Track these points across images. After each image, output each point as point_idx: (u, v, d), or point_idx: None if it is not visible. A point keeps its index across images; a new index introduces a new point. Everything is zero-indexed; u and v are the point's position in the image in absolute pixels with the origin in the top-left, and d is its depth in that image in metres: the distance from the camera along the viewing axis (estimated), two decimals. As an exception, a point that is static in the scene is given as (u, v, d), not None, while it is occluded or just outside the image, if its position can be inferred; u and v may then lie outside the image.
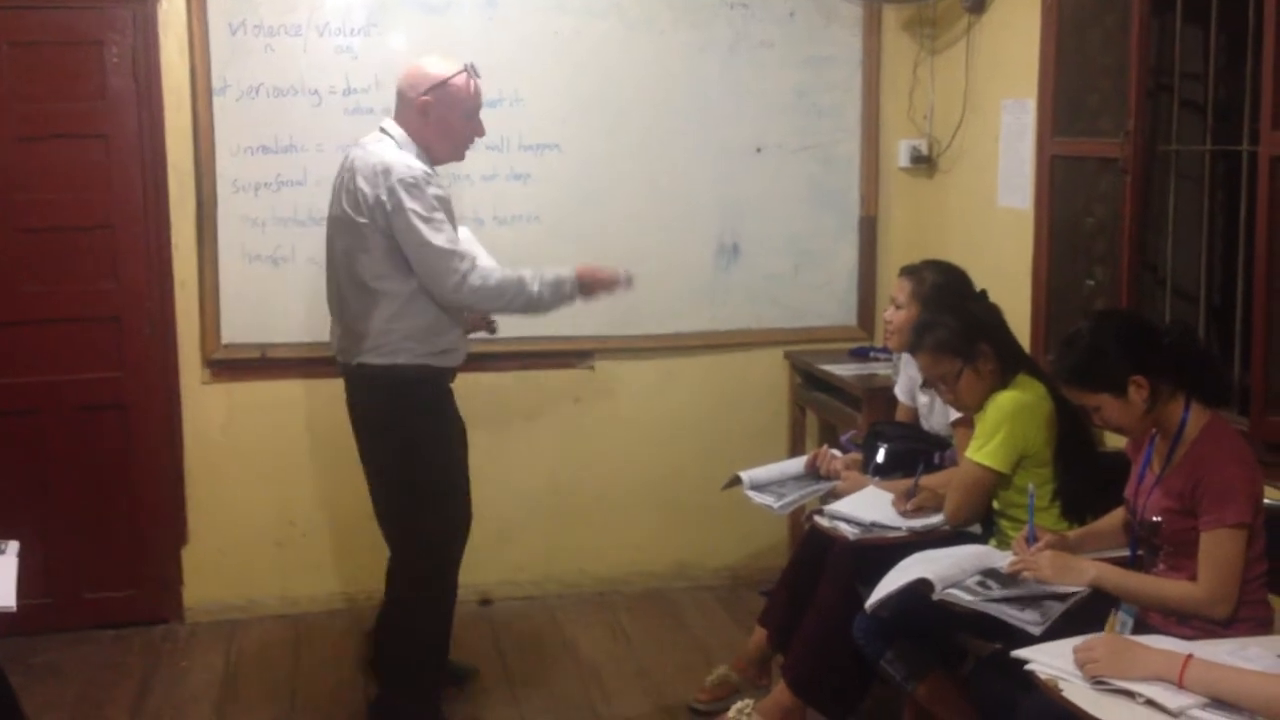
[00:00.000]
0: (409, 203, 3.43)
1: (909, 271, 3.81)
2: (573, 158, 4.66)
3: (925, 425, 3.84)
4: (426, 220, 3.44)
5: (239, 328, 4.49)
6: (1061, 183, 4.03)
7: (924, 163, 4.83)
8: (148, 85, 4.36)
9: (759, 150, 4.79)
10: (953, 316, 3.35)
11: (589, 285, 3.65)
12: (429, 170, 3.53)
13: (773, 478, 3.88)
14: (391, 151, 3.53)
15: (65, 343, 4.40)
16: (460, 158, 3.77)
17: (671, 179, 4.74)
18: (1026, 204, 4.17)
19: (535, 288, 3.55)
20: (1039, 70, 4.08)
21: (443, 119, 3.58)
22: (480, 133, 3.70)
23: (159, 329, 4.46)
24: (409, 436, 3.59)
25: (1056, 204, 4.05)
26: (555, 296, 3.61)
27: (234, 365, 4.51)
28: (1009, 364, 3.34)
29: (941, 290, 3.67)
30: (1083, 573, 2.78)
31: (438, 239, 3.45)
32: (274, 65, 4.41)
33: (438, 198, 3.48)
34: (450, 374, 3.71)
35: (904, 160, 4.85)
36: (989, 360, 3.32)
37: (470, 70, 3.62)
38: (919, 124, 4.84)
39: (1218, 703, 2.17)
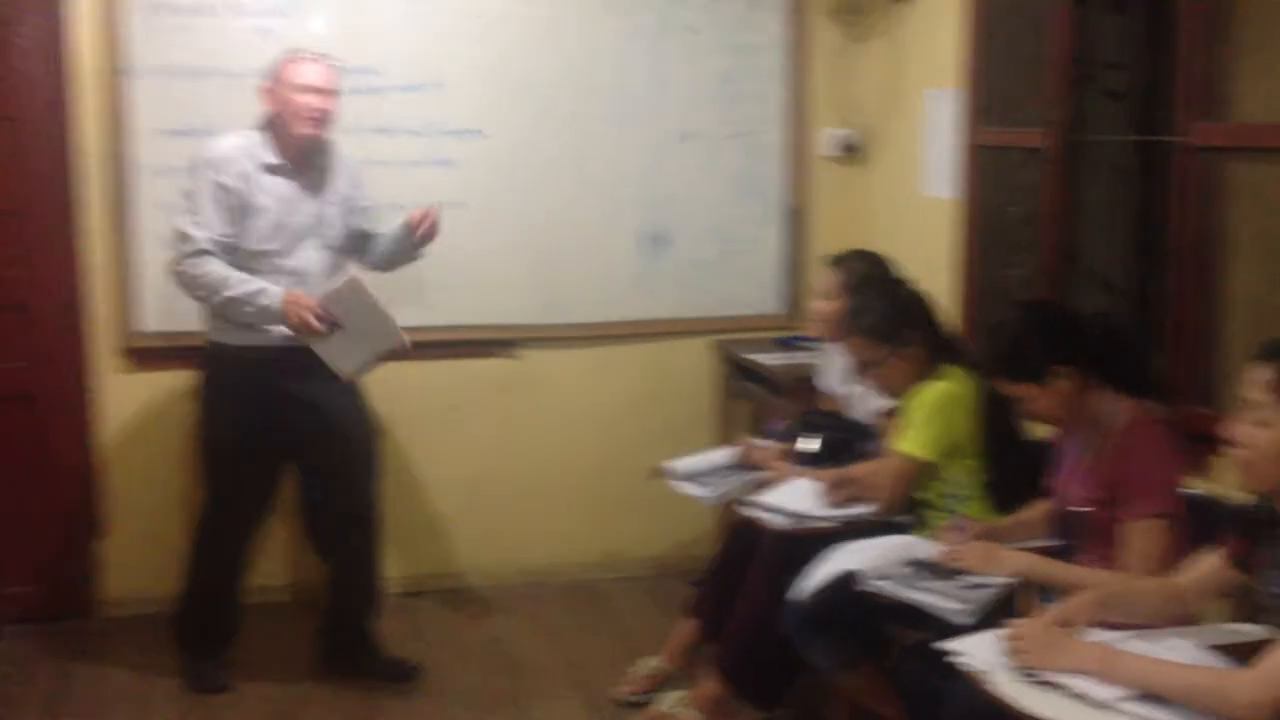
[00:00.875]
0: (188, 180, 3.76)
1: (836, 262, 3.81)
2: (497, 144, 4.60)
3: (852, 414, 3.84)
4: (188, 198, 3.74)
5: (153, 315, 4.37)
6: (986, 172, 4.05)
7: (850, 152, 4.83)
8: (57, 66, 4.23)
9: (685, 138, 4.77)
10: (883, 303, 3.35)
11: (289, 315, 3.69)
12: (225, 157, 3.72)
13: (700, 468, 3.87)
14: (231, 134, 3.80)
15: (-31, 332, 4.27)
16: (306, 134, 3.76)
17: (598, 166, 4.70)
18: (952, 194, 4.18)
19: (232, 292, 3.67)
20: (963, 60, 4.09)
21: (282, 98, 3.76)
22: (320, 107, 3.75)
23: (71, 318, 4.34)
24: (199, 407, 3.93)
25: (981, 194, 4.07)
26: (254, 310, 3.70)
27: (150, 354, 4.40)
28: (937, 353, 3.34)
29: (869, 280, 3.68)
30: (1009, 562, 2.79)
31: (182, 219, 3.73)
32: (189, 46, 4.30)
33: (218, 184, 3.69)
34: (255, 353, 3.76)
35: (829, 149, 4.85)
36: (916, 348, 3.32)
37: (307, 52, 3.78)
38: (844, 113, 4.84)
39: (1144, 695, 2.19)
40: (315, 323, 3.67)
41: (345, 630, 4.08)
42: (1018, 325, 2.84)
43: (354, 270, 3.74)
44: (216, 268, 3.69)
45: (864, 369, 3.41)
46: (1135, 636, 2.38)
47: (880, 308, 3.34)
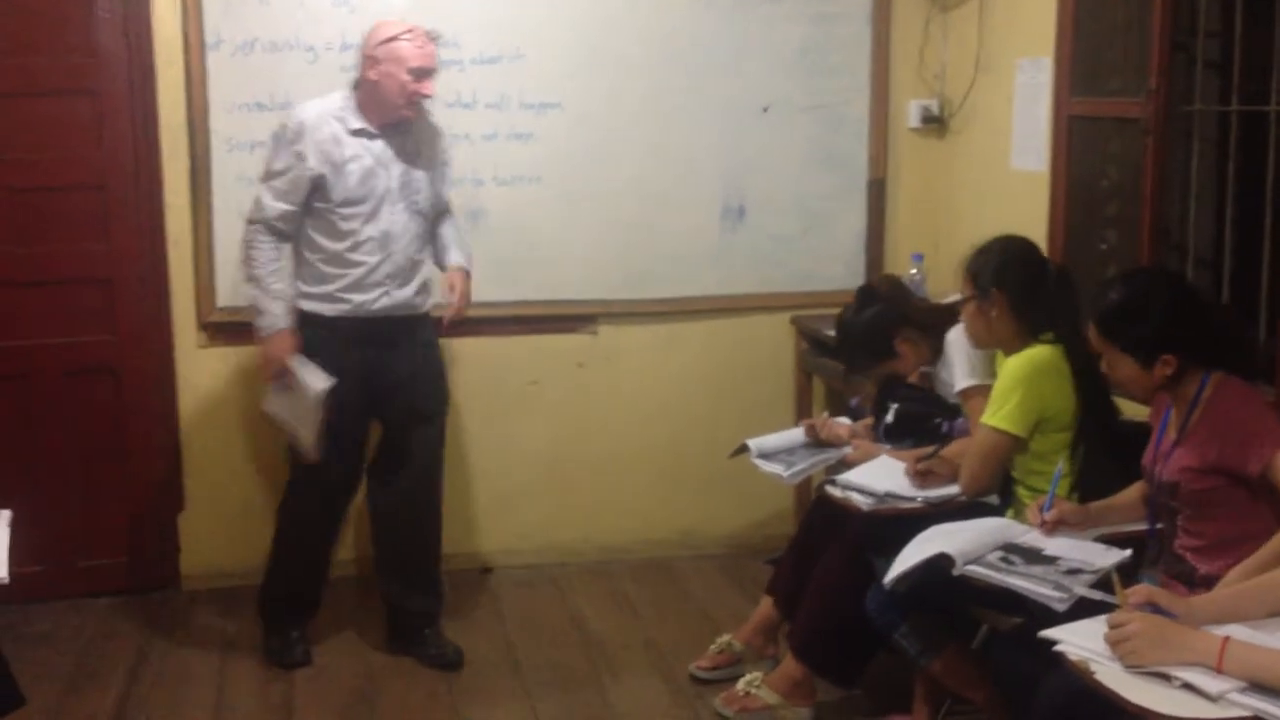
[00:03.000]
0: (269, 149, 3.83)
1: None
2: (575, 117, 4.55)
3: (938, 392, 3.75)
4: (266, 165, 3.78)
5: (235, 290, 4.37)
6: (1077, 144, 3.94)
7: (935, 123, 4.72)
8: (139, 40, 4.24)
9: (765, 109, 4.69)
10: (1000, 258, 3.26)
11: (265, 352, 3.76)
12: (310, 123, 3.71)
13: (781, 445, 3.81)
14: (317, 99, 3.79)
15: (55, 305, 4.30)
16: (403, 115, 3.74)
17: (676, 138, 4.63)
18: (1042, 166, 4.08)
19: (253, 289, 3.77)
20: (1056, 28, 3.97)
21: (387, 74, 3.69)
22: (426, 93, 3.72)
23: (152, 291, 4.36)
24: None
25: (1072, 166, 3.96)
26: (256, 308, 3.77)
27: (230, 328, 4.40)
28: (1028, 325, 3.24)
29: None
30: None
31: (261, 187, 3.77)
32: (269, 20, 4.29)
33: (297, 153, 3.70)
34: (345, 323, 3.76)
35: (914, 120, 4.75)
36: (998, 309, 3.22)
37: (421, 31, 3.71)
38: (930, 83, 4.73)
39: (1257, 686, 2.11)
40: (270, 373, 3.73)
41: (401, 611, 4.05)
42: (1152, 297, 2.71)
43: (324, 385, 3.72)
44: (263, 252, 3.74)
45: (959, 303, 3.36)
46: (1251, 625, 2.29)
47: (993, 260, 3.25)
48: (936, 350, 3.66)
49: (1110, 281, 2.78)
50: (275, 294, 3.75)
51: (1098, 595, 2.52)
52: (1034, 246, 3.38)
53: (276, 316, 3.74)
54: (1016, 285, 3.23)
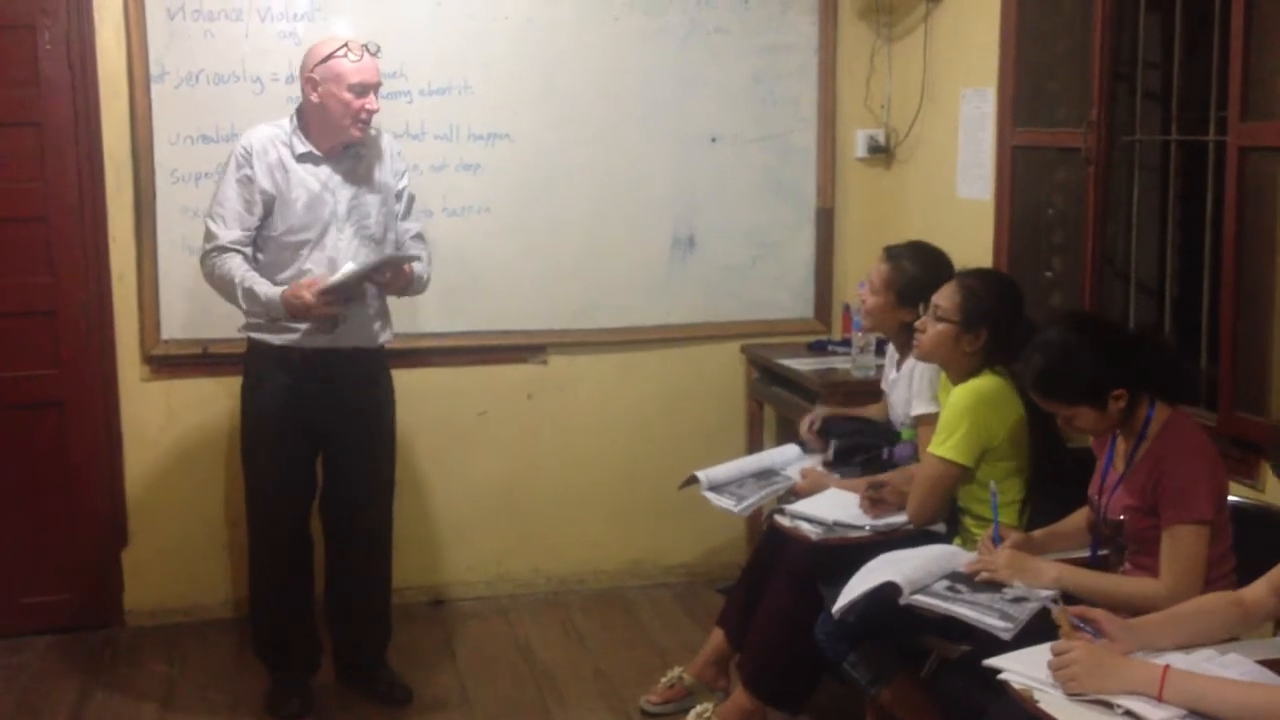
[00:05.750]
0: (221, 176, 3.78)
1: (891, 256, 3.67)
2: (524, 147, 4.55)
3: (891, 415, 3.77)
4: (218, 191, 3.70)
5: (179, 323, 4.35)
6: (1022, 173, 3.98)
7: (881, 153, 4.76)
8: (83, 72, 4.21)
9: (714, 140, 4.71)
10: (997, 303, 3.25)
11: (289, 304, 3.59)
12: (256, 148, 3.66)
13: (731, 476, 3.79)
14: (264, 125, 3.74)
15: (-2, 338, 4.25)
16: (351, 136, 3.67)
17: (625, 169, 4.65)
18: (987, 195, 4.12)
19: (240, 290, 3.63)
20: (999, 59, 4.02)
21: (328, 94, 3.63)
22: (371, 108, 3.65)
23: (96, 324, 4.31)
24: (241, 401, 3.85)
25: (1017, 195, 4.00)
26: (260, 308, 3.64)
27: (174, 362, 4.37)
28: (988, 362, 3.26)
29: (915, 284, 3.55)
30: (1042, 573, 2.73)
31: (209, 220, 3.69)
32: (214, 51, 4.27)
33: (245, 177, 3.65)
34: (295, 354, 3.68)
35: (861, 150, 4.78)
36: (973, 345, 3.24)
37: (358, 46, 3.66)
38: (876, 114, 4.77)
39: (1197, 714, 2.12)
40: (317, 303, 3.52)
41: (348, 647, 3.98)
42: (1074, 347, 2.71)
43: (351, 265, 3.61)
44: (231, 265, 3.63)
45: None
46: (1190, 652, 2.31)
47: (987, 303, 3.25)
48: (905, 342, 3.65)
49: (1033, 352, 2.77)
50: (251, 278, 3.62)
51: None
52: (1020, 291, 3.40)
53: (265, 284, 3.61)
54: (1000, 329, 3.25)
